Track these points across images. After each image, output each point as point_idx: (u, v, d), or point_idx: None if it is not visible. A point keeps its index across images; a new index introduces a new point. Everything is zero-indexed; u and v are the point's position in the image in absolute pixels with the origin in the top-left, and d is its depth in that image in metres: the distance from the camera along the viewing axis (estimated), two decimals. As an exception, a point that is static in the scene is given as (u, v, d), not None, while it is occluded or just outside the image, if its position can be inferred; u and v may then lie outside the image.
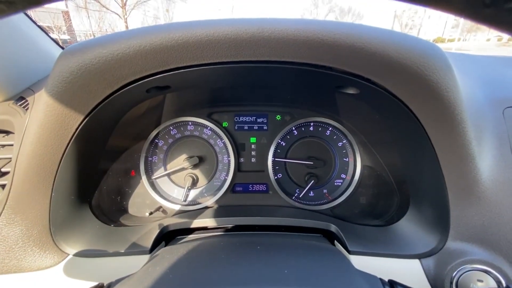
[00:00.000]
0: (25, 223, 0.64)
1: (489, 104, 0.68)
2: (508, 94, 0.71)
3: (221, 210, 0.92)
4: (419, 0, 0.19)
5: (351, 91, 0.68)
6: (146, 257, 0.69)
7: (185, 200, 0.97)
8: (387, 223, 0.79)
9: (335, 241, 0.76)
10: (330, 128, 0.99)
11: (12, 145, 0.70)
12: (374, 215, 0.91)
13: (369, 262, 0.68)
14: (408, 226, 0.74)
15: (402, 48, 0.50)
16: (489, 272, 0.59)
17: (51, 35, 1.00)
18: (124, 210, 0.96)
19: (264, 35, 0.51)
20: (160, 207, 0.97)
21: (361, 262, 0.67)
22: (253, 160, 1.03)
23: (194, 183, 0.99)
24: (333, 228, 0.77)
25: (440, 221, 0.65)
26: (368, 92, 0.63)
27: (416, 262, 0.66)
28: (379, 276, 0.50)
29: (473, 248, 0.62)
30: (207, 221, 0.80)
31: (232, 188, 1.01)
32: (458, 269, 0.61)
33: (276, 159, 1.00)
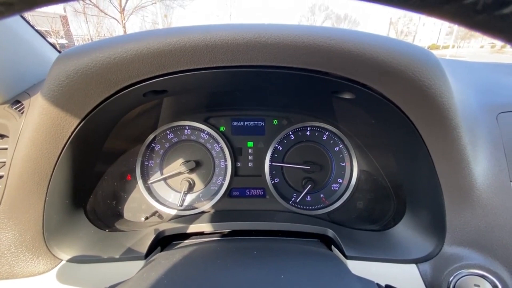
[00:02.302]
0: (18, 228, 0.63)
1: (483, 109, 0.69)
2: (501, 99, 0.72)
3: (218, 215, 0.91)
4: (413, 7, 0.19)
5: (347, 96, 0.68)
6: (141, 263, 0.68)
7: (181, 205, 0.96)
8: (384, 228, 0.79)
9: (332, 246, 0.75)
10: (326, 133, 1.00)
11: (6, 148, 0.69)
12: (371, 220, 0.91)
13: (366, 267, 0.67)
14: (405, 231, 0.74)
15: (396, 54, 0.51)
16: (486, 277, 0.59)
17: (49, 39, 1.00)
18: (119, 215, 0.95)
19: (261, 40, 0.51)
20: (156, 212, 0.96)
21: (358, 267, 0.67)
22: (250, 164, 1.03)
23: (191, 187, 0.99)
24: (330, 233, 0.76)
25: (436, 226, 0.65)
26: (363, 97, 0.64)
27: (413, 267, 0.66)
28: (376, 281, 0.50)
29: (470, 253, 0.62)
30: (203, 226, 0.80)
31: (229, 193, 1.01)
32: (455, 274, 0.61)
33: (273, 163, 1.00)
